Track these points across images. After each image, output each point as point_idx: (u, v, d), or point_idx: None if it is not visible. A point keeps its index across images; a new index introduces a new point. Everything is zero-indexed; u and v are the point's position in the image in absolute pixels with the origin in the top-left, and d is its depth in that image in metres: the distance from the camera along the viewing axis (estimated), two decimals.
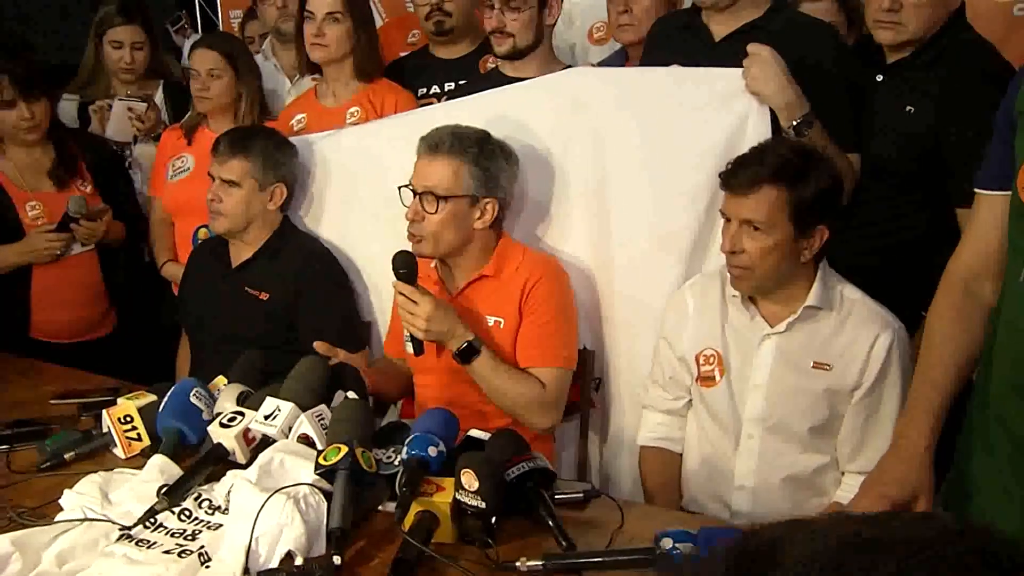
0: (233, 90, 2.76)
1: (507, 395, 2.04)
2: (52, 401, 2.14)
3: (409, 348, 2.06)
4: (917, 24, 2.14)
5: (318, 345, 2.05)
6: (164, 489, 1.56)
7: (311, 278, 2.40)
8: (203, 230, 2.72)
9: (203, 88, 2.72)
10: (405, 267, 2.01)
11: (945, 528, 0.53)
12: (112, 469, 1.70)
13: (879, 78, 2.26)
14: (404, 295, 1.99)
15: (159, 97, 3.14)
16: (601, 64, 2.97)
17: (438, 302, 2.00)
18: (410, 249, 2.07)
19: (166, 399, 1.82)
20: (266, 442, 1.68)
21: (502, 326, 2.10)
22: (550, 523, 1.49)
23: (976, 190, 1.53)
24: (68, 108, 3.06)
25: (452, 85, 2.81)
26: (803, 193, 1.80)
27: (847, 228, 1.98)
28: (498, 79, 2.53)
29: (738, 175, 1.85)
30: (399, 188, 2.13)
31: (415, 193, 2.08)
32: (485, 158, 2.08)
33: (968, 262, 1.54)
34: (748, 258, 1.85)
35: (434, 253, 2.11)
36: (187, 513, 1.54)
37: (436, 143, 2.08)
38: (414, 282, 2.02)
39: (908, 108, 2.19)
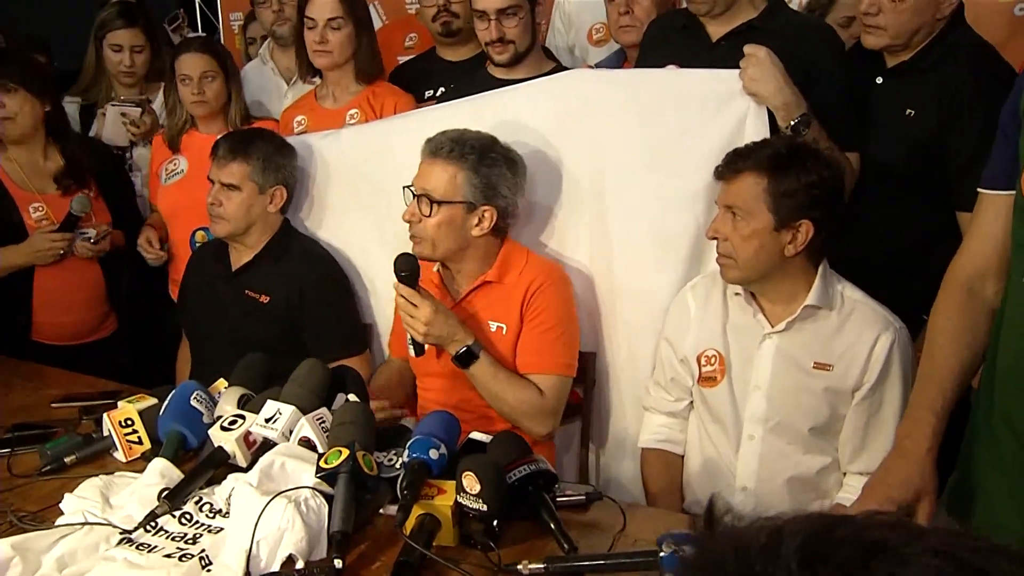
0: (225, 91, 2.76)
1: (505, 401, 2.04)
2: (53, 404, 2.14)
3: (411, 351, 2.06)
4: (896, 28, 2.14)
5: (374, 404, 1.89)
6: (165, 493, 1.56)
7: (313, 280, 2.40)
8: (200, 232, 2.70)
9: (199, 92, 2.71)
10: (406, 269, 2.01)
11: None
12: (113, 473, 1.70)
13: (878, 80, 2.25)
14: (404, 298, 2.00)
15: (160, 101, 3.13)
16: (599, 65, 2.97)
17: (438, 306, 2.00)
18: (411, 251, 2.07)
19: (167, 402, 1.82)
20: (267, 445, 1.67)
21: (504, 332, 2.09)
22: (552, 526, 1.48)
23: (980, 190, 1.53)
24: (69, 111, 3.05)
25: None
26: (784, 184, 1.82)
27: (850, 229, 1.98)
28: (489, 82, 2.51)
29: (726, 164, 1.91)
30: (404, 188, 2.12)
31: (414, 194, 2.08)
32: (485, 166, 2.05)
33: (971, 262, 1.54)
34: (730, 245, 1.88)
35: (432, 256, 2.10)
36: (188, 517, 1.53)
37: (437, 147, 2.07)
38: (415, 285, 2.01)
39: (908, 111, 2.18)
